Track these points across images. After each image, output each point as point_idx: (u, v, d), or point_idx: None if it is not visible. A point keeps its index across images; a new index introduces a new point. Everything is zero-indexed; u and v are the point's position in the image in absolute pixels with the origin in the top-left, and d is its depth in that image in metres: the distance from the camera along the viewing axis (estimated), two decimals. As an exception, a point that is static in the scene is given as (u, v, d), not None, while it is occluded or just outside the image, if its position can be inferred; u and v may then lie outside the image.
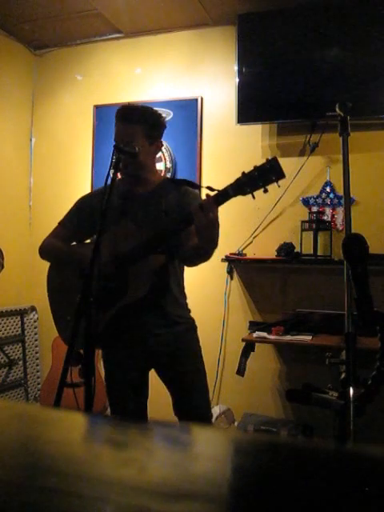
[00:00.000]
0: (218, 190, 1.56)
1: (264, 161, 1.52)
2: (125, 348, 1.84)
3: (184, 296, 1.92)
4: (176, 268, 1.85)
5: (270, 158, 1.52)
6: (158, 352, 1.84)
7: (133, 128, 1.76)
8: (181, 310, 1.87)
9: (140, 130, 1.76)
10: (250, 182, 1.51)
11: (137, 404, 1.91)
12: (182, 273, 1.90)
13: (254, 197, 1.53)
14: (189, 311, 1.93)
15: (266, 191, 1.51)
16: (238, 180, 1.53)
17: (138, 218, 1.80)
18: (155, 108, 1.88)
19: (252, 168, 1.52)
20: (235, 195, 1.54)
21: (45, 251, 1.94)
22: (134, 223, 1.78)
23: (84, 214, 1.91)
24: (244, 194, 1.53)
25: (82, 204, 1.97)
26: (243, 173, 1.52)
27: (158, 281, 1.74)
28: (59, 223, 1.97)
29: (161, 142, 1.86)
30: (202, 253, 1.69)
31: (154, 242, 1.71)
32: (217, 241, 1.64)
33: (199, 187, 1.94)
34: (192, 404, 1.87)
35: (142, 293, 1.72)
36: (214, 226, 1.56)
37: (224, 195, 1.54)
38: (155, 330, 1.81)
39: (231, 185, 1.54)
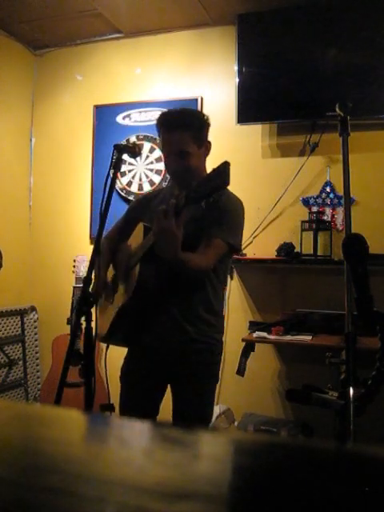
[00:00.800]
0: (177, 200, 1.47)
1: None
2: (139, 353, 1.82)
3: (203, 313, 1.75)
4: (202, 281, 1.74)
5: (222, 163, 1.35)
6: (167, 363, 1.76)
7: (181, 135, 1.68)
8: (193, 327, 1.74)
9: (188, 135, 1.69)
10: (197, 196, 1.40)
11: (145, 413, 1.82)
12: (209, 289, 1.76)
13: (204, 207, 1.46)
14: (212, 331, 1.78)
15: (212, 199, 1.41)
16: (186, 194, 1.43)
17: None
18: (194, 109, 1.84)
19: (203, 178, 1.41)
20: (186, 205, 1.45)
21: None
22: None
23: (135, 213, 1.93)
24: (194, 203, 1.43)
25: (137, 203, 2.01)
26: (194, 184, 1.41)
27: (158, 286, 1.68)
28: (116, 222, 2.02)
29: (209, 142, 1.78)
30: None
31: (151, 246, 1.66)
32: (172, 255, 1.50)
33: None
34: None
35: (128, 295, 1.68)
36: (163, 233, 1.46)
37: (176, 206, 1.46)
38: (165, 340, 1.74)
39: (180, 198, 1.46)
